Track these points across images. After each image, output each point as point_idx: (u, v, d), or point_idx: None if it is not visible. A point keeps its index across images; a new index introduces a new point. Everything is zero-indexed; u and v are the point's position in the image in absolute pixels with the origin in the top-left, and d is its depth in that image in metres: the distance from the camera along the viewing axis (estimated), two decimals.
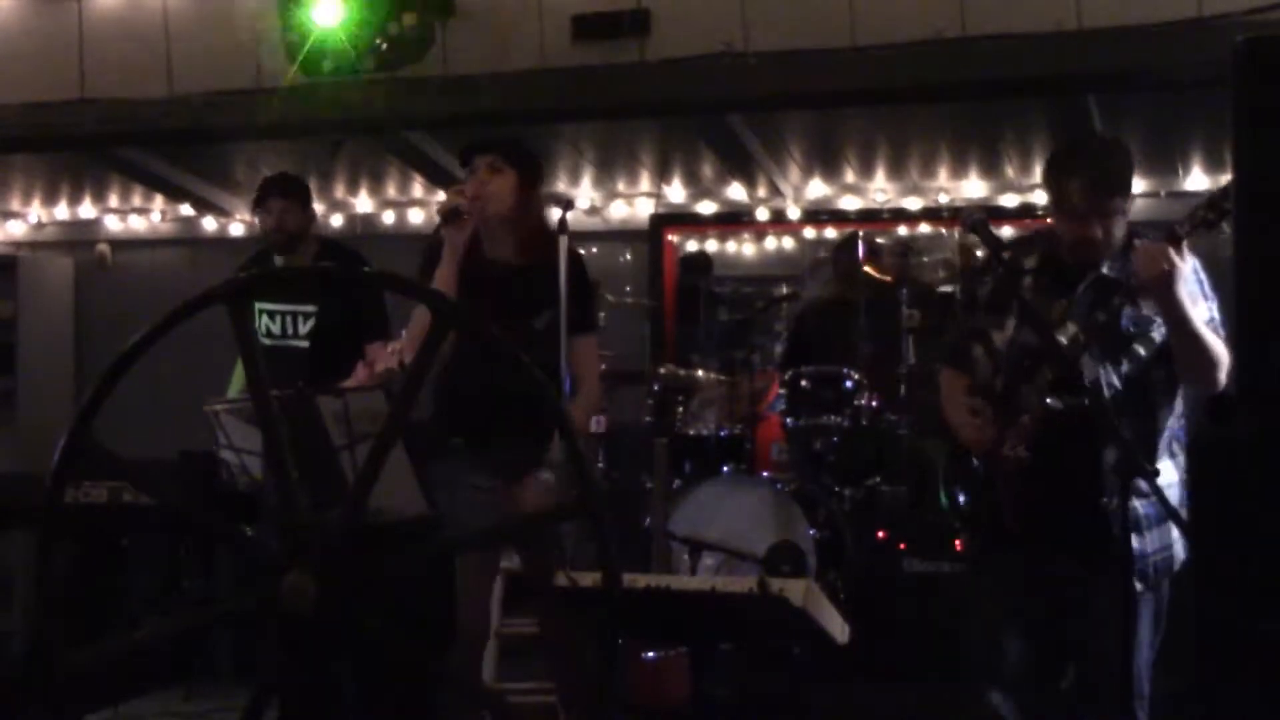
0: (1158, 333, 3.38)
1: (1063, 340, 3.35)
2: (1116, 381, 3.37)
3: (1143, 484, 3.29)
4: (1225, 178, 6.49)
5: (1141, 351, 3.39)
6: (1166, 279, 3.20)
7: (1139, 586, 3.36)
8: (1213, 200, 3.23)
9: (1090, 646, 3.44)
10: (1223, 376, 3.32)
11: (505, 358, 2.19)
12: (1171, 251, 3.18)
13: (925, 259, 7.04)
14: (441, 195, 7.45)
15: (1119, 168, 3.45)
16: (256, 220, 5.28)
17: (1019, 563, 3.51)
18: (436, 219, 4.00)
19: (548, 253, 3.92)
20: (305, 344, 5.00)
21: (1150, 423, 3.42)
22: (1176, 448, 3.45)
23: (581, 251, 4.18)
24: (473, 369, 3.84)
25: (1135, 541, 3.34)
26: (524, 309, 3.93)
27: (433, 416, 4.09)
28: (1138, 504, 3.35)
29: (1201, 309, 3.39)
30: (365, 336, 4.51)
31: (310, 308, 5.01)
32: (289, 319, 5.03)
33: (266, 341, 4.96)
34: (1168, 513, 3.28)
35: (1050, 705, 3.54)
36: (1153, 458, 3.36)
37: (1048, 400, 3.35)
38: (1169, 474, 3.39)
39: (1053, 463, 3.37)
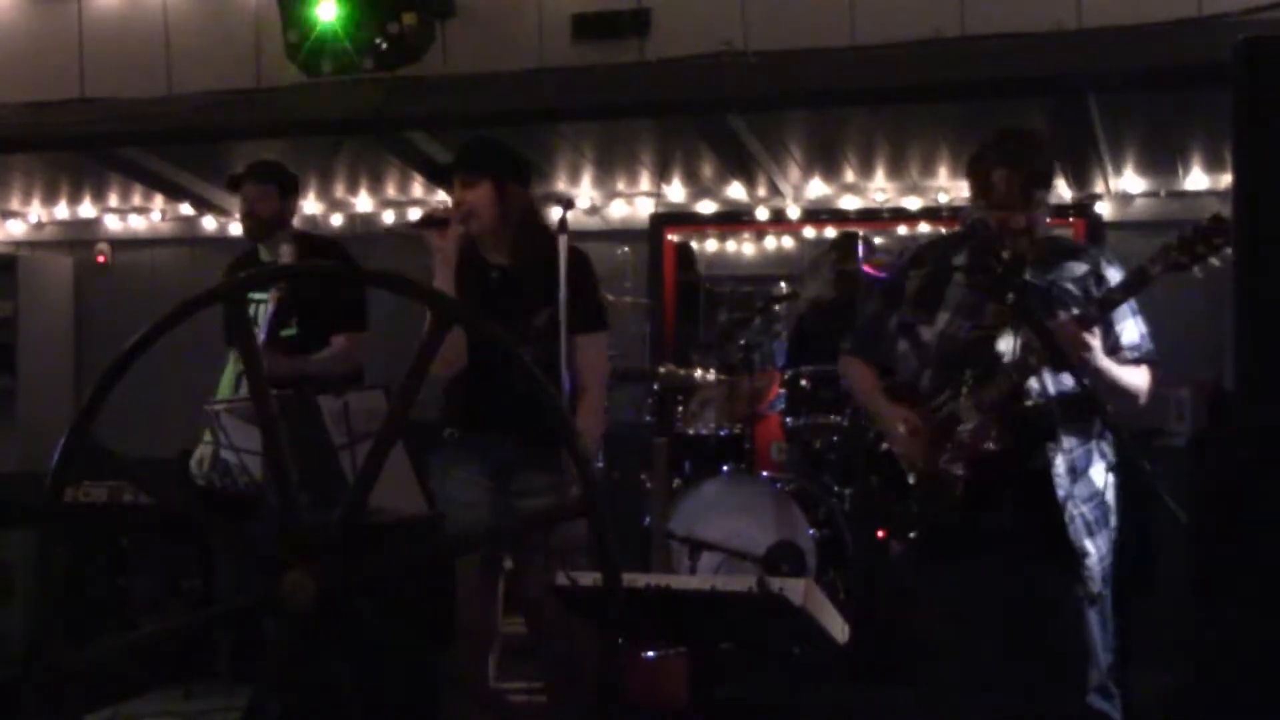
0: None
1: (1010, 345, 3.43)
2: (1051, 388, 3.44)
3: (1096, 484, 3.48)
4: (1225, 178, 6.52)
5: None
6: (1086, 360, 3.36)
7: (1097, 587, 3.44)
8: (1157, 257, 3.33)
9: (1051, 639, 3.48)
10: (1144, 399, 3.55)
11: (504, 356, 2.19)
12: (1085, 336, 3.36)
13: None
14: (442, 195, 7.53)
15: (1042, 162, 3.55)
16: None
17: (969, 566, 3.52)
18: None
19: (543, 250, 3.84)
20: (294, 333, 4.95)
21: (1086, 427, 3.50)
22: (1106, 448, 3.53)
23: (578, 247, 3.94)
24: (481, 367, 3.83)
25: (1088, 544, 3.45)
26: (521, 309, 3.89)
27: (441, 412, 4.10)
28: (1084, 508, 3.46)
29: (1130, 329, 3.55)
30: (339, 328, 4.58)
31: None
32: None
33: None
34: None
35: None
36: (1089, 459, 3.50)
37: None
38: (1099, 476, 3.50)
39: (1004, 465, 3.45)
